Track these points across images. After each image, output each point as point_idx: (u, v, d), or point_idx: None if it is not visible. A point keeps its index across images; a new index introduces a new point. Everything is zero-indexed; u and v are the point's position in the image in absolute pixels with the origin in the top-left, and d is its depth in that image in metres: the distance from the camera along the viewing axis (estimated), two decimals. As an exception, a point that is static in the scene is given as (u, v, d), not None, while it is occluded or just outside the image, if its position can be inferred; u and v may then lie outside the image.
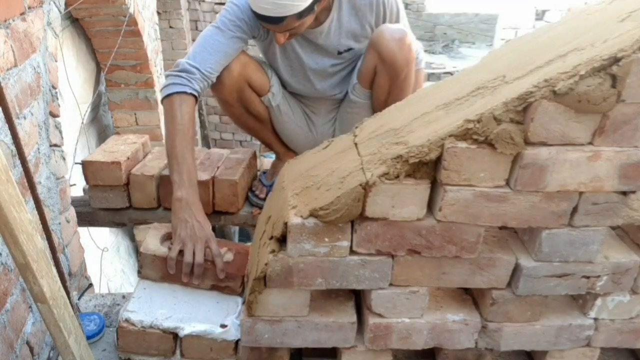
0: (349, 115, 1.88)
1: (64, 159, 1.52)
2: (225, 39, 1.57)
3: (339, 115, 1.95)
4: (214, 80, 1.59)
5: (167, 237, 1.38)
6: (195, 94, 1.49)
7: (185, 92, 1.46)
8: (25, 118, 1.22)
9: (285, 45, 1.70)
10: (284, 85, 1.88)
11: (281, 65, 1.80)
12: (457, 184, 0.97)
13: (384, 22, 1.69)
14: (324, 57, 1.77)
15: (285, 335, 1.16)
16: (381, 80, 1.70)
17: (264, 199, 1.88)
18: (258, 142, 5.58)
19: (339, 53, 1.76)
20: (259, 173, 2.07)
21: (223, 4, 5.38)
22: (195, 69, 1.50)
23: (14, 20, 1.15)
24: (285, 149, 2.03)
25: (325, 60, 1.78)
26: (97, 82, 3.40)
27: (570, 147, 0.94)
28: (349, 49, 1.75)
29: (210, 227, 1.34)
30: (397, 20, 1.72)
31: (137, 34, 3.14)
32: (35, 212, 1.11)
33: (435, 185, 1.00)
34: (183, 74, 1.49)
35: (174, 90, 1.47)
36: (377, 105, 1.75)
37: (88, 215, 1.88)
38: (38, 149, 1.30)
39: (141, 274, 1.33)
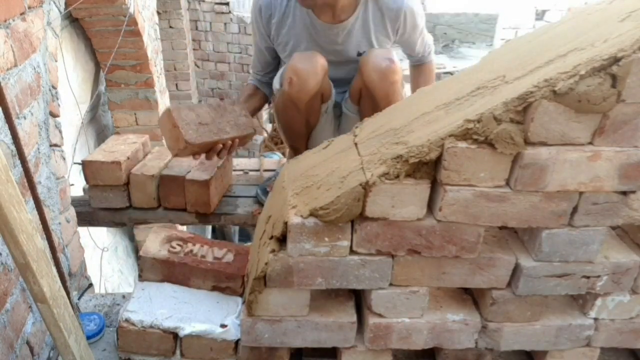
0: (343, 126, 1.93)
1: (64, 158, 1.52)
2: (257, 42, 1.89)
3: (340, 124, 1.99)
4: (261, 75, 1.94)
5: (167, 241, 1.39)
6: (254, 83, 1.97)
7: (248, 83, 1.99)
8: (25, 118, 1.22)
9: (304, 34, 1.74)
10: None
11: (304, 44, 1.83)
12: (457, 184, 0.97)
13: (401, 31, 1.78)
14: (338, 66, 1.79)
15: (285, 335, 1.16)
16: (365, 103, 1.75)
17: None
18: (258, 142, 5.57)
19: (359, 54, 1.75)
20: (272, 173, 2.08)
21: (223, 3, 5.40)
22: (252, 72, 2.00)
23: (14, 20, 1.15)
24: None
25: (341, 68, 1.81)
26: (96, 82, 3.40)
27: (570, 147, 0.94)
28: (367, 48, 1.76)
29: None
30: (413, 32, 1.81)
31: (137, 34, 3.13)
32: (35, 212, 1.11)
33: (435, 185, 1.00)
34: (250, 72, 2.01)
35: None
36: None
37: (88, 215, 1.88)
38: (38, 149, 1.30)
39: (142, 277, 1.34)
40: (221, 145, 1.60)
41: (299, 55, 1.65)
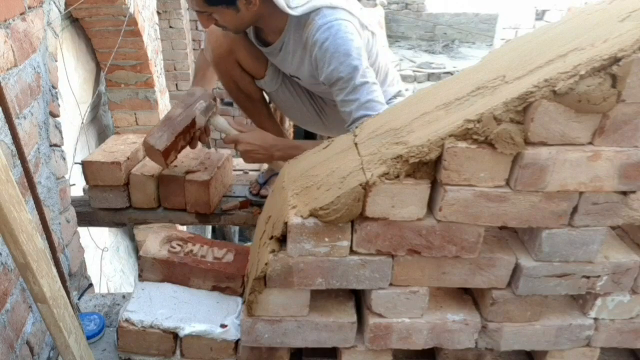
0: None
1: (64, 159, 1.52)
2: None
3: None
4: None
5: (167, 241, 1.39)
6: None
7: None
8: (25, 118, 1.22)
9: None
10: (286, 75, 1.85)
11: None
12: (457, 184, 0.97)
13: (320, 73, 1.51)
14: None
15: (285, 335, 1.16)
16: None
17: (257, 195, 1.90)
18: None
19: (291, 75, 1.74)
20: (257, 173, 2.08)
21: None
22: None
23: (14, 20, 1.15)
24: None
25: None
26: (96, 82, 3.40)
27: (570, 147, 0.94)
28: (298, 77, 1.71)
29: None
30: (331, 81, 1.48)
31: (137, 34, 3.13)
32: (35, 212, 1.11)
33: (435, 185, 1.00)
34: None
35: None
36: None
37: (88, 215, 1.88)
38: (38, 149, 1.30)
39: (142, 277, 1.34)
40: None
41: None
